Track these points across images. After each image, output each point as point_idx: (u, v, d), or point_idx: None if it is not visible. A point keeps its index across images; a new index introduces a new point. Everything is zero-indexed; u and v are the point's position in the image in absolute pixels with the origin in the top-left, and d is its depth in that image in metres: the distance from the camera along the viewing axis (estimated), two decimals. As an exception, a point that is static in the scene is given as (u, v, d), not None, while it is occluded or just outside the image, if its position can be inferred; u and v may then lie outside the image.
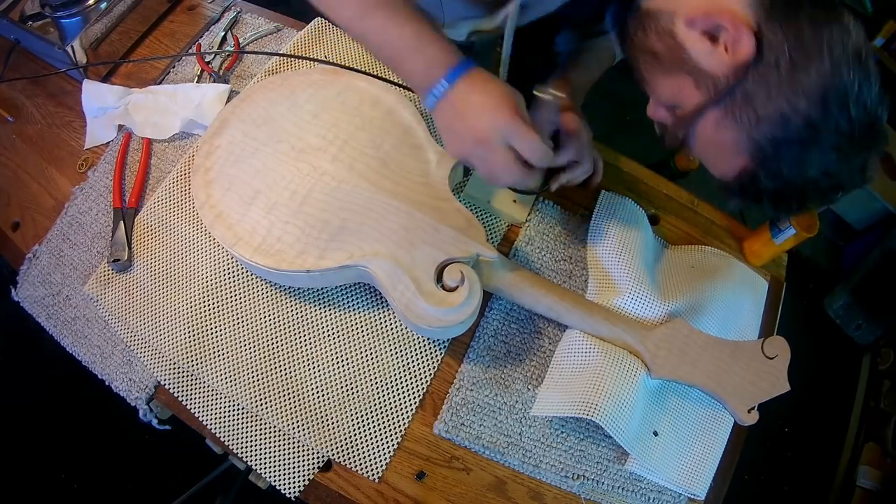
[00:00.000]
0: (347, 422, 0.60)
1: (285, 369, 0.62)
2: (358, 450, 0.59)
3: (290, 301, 0.65)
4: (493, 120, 0.49)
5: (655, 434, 0.60)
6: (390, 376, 0.62)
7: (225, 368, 0.62)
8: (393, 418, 0.61)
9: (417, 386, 0.62)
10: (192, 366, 0.62)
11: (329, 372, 0.62)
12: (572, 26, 0.73)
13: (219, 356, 0.62)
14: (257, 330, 0.63)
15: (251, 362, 0.62)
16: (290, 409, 0.60)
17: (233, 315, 0.64)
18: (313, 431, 0.60)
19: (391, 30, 0.50)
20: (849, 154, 0.42)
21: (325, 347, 0.63)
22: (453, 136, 0.52)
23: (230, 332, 0.63)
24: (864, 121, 0.41)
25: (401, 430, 0.60)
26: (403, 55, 0.51)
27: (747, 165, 0.45)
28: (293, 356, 0.62)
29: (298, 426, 0.60)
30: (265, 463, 0.59)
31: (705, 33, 0.44)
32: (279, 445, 0.59)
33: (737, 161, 0.46)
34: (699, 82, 0.45)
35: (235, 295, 0.65)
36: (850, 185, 0.44)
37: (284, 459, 0.59)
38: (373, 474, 0.59)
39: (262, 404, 0.60)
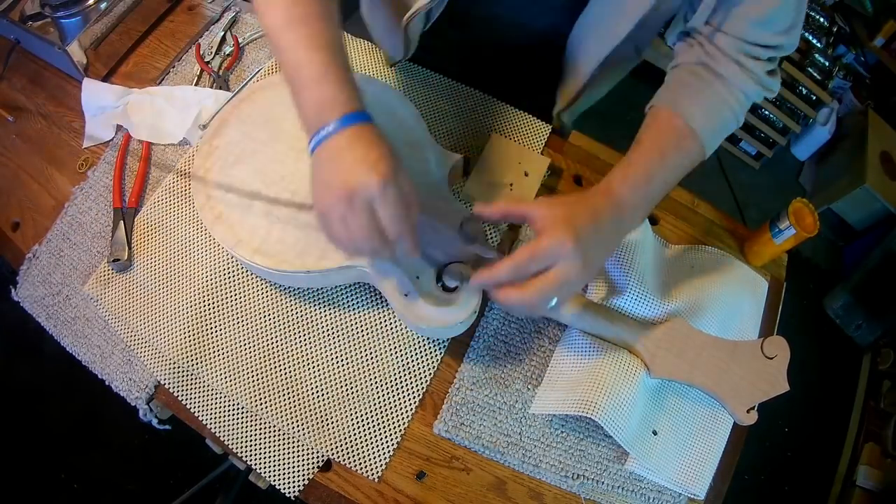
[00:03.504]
0: (347, 422, 0.60)
1: (285, 369, 0.62)
2: (358, 449, 0.59)
3: (290, 301, 0.65)
4: (366, 176, 0.45)
5: (655, 433, 0.60)
6: (390, 376, 0.62)
7: (225, 368, 0.62)
8: (393, 418, 0.61)
9: (417, 386, 0.62)
10: (192, 366, 0.62)
11: (329, 372, 0.62)
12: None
13: (219, 356, 0.62)
14: (257, 330, 0.63)
15: (251, 362, 0.62)
16: (290, 408, 0.60)
17: (233, 315, 0.64)
18: (313, 431, 0.60)
19: (301, 51, 0.47)
20: None
21: (325, 347, 0.63)
22: (322, 188, 0.48)
23: (230, 332, 0.63)
24: None
25: (400, 430, 0.60)
26: (304, 83, 0.47)
27: None
28: (293, 356, 0.62)
29: (298, 426, 0.60)
30: (265, 463, 0.59)
31: None
32: (279, 445, 0.59)
33: None
34: None
35: (235, 295, 0.65)
36: None
37: (284, 459, 0.59)
38: (373, 474, 0.59)
39: (262, 404, 0.60)
